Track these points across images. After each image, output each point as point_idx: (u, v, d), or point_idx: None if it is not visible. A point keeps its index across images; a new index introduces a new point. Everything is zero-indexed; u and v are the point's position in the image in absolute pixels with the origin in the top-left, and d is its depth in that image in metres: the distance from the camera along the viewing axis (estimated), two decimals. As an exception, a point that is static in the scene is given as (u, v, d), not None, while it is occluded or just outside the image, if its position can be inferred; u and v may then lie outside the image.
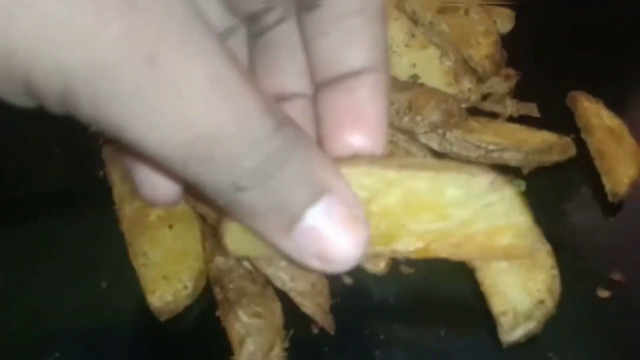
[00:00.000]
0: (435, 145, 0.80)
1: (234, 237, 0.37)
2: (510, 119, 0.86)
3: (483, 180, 0.35)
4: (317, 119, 0.41)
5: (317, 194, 0.33)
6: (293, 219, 0.32)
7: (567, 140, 0.80)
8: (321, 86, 0.40)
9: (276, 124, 0.31)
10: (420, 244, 0.37)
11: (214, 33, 0.30)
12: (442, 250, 0.37)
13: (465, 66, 0.85)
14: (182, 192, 0.41)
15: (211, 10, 0.42)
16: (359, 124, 0.39)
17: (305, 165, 0.33)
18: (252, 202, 0.32)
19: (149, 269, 0.69)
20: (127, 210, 0.75)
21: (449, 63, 0.82)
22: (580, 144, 0.83)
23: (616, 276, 0.68)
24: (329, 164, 0.34)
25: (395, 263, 0.70)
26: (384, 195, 0.36)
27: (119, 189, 0.78)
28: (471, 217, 0.36)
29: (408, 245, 0.37)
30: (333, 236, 0.33)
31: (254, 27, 0.43)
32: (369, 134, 0.39)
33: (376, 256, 0.36)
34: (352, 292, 0.69)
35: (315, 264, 0.34)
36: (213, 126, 0.29)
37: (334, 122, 0.39)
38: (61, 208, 0.81)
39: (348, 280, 0.70)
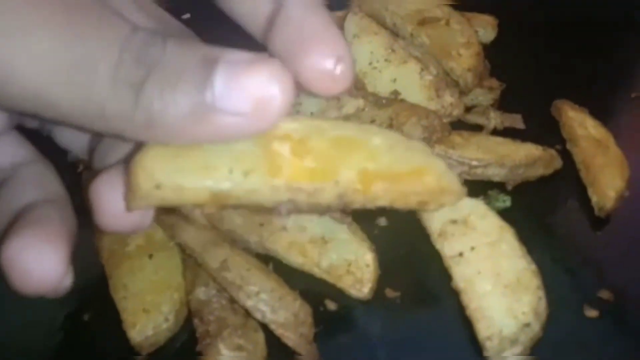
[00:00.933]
0: (418, 162, 0.79)
1: (150, 166, 0.36)
2: (495, 131, 0.85)
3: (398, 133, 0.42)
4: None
5: (212, 62, 0.34)
6: (207, 91, 0.33)
7: (552, 153, 0.78)
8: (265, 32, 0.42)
9: (131, 27, 0.34)
10: (357, 183, 0.39)
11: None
12: (382, 192, 0.40)
13: (447, 79, 0.83)
14: (66, 269, 0.38)
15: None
16: (313, 41, 0.40)
17: (185, 46, 0.35)
18: (161, 96, 0.33)
19: (129, 302, 0.68)
20: (106, 240, 0.74)
21: (429, 77, 0.81)
22: (567, 155, 0.81)
23: (605, 294, 0.66)
24: (209, 46, 0.36)
25: (380, 287, 0.69)
26: (316, 136, 0.39)
27: (98, 218, 0.77)
28: (396, 159, 0.40)
29: (347, 181, 0.39)
30: (248, 82, 0.34)
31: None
32: (327, 44, 0.39)
33: (319, 191, 0.38)
34: (336, 318, 0.68)
35: (260, 118, 0.34)
36: (66, 47, 0.33)
37: (293, 52, 0.40)
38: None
39: (332, 307, 0.68)
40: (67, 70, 0.33)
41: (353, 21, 0.85)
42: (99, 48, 0.33)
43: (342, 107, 0.77)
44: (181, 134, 0.35)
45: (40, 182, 0.44)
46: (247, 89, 0.34)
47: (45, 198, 0.43)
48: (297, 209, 0.40)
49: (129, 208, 0.37)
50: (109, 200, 0.38)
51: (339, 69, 0.39)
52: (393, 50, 0.83)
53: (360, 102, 0.77)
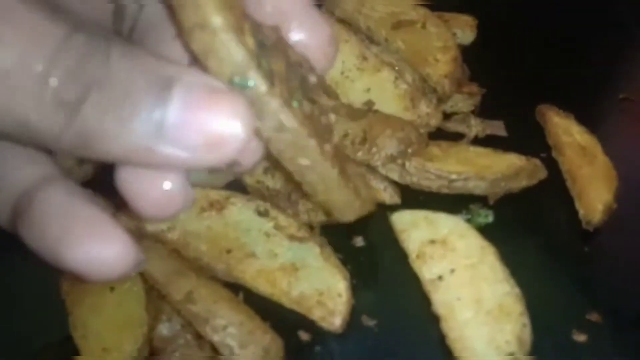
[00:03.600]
0: (395, 177, 0.74)
1: None
2: (476, 139, 0.81)
3: None
4: None
5: (167, 85, 0.30)
6: (158, 121, 0.29)
7: (536, 162, 0.74)
8: None
9: (69, 28, 0.29)
10: None
11: None
12: None
13: (424, 87, 0.79)
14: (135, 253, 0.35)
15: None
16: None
17: (133, 60, 0.30)
18: (101, 122, 0.29)
19: (89, 341, 0.63)
20: (66, 273, 0.69)
21: (404, 86, 0.76)
22: (553, 163, 0.77)
23: (593, 316, 0.62)
24: (164, 59, 0.31)
25: (356, 314, 0.64)
26: None
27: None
28: None
29: None
30: (208, 118, 0.30)
31: (123, 23, 0.42)
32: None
33: None
34: (309, 350, 0.63)
35: (212, 157, 0.31)
36: None
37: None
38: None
39: (305, 337, 0.64)
40: None
41: (323, 28, 0.80)
42: (22, 57, 0.28)
43: (312, 122, 0.73)
44: (120, 159, 0.32)
45: (30, 155, 0.38)
46: (203, 124, 0.30)
47: (44, 174, 0.37)
48: None
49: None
50: (145, 187, 0.35)
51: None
52: (365, 58, 0.78)
53: (331, 117, 0.73)
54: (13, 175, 0.36)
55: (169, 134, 0.30)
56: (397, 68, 0.79)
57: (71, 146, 0.30)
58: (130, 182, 0.34)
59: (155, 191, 0.34)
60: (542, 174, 0.74)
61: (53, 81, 0.28)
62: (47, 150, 0.33)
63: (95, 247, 0.33)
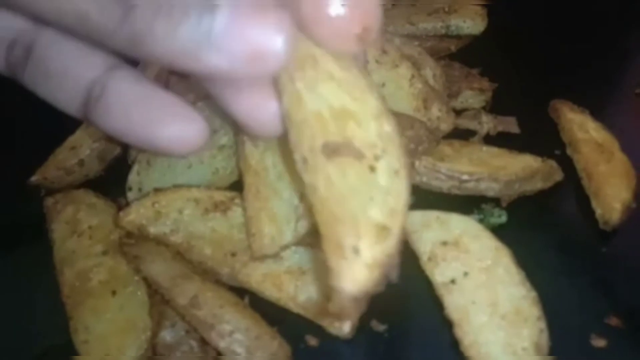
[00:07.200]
0: (404, 176, 0.72)
1: None
2: (488, 136, 0.79)
3: None
4: None
5: None
6: (206, 29, 0.31)
7: (552, 164, 0.71)
8: None
9: None
10: None
11: None
12: None
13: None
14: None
15: None
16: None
17: None
18: (153, 20, 0.31)
19: (91, 346, 0.62)
20: (67, 274, 0.68)
21: (419, 85, 0.73)
22: (567, 161, 0.75)
23: (612, 320, 0.60)
24: None
25: (365, 319, 0.62)
26: None
27: (59, 249, 0.70)
28: None
29: None
30: (254, 30, 0.32)
31: None
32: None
33: None
34: (317, 356, 0.61)
35: (251, 69, 0.33)
36: None
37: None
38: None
39: (313, 343, 0.62)
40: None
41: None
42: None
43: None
44: (166, 61, 0.33)
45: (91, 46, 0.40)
46: (248, 35, 0.32)
47: (109, 63, 0.40)
48: None
49: None
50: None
51: None
52: (385, 52, 0.75)
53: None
54: (79, 65, 0.40)
55: (215, 42, 0.31)
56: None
57: (123, 43, 0.33)
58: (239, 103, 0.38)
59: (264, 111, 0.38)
60: (558, 175, 0.71)
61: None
62: (102, 46, 0.35)
63: (180, 127, 0.39)
